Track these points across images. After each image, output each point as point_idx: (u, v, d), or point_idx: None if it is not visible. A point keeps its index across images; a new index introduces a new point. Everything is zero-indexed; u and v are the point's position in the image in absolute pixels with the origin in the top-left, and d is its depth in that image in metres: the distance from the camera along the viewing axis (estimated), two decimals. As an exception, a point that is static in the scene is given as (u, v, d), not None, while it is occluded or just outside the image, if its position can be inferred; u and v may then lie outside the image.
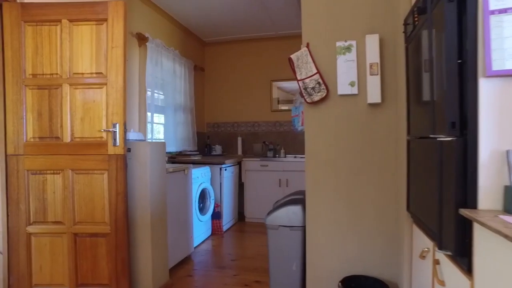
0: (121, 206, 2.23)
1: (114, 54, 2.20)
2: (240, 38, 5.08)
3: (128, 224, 2.27)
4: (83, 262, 2.26)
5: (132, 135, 2.52)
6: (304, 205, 2.25)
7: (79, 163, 2.25)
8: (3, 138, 2.29)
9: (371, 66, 1.95)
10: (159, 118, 4.00)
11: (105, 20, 2.20)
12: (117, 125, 2.21)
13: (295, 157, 4.68)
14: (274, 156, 4.71)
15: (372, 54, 1.94)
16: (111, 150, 2.23)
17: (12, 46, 2.26)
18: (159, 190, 2.51)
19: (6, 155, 2.29)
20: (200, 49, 5.22)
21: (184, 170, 3.03)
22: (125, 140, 2.24)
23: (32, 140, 2.28)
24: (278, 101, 5.06)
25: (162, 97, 4.03)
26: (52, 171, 2.26)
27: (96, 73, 2.22)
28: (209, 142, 5.15)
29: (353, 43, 2.01)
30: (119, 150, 2.22)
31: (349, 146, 2.06)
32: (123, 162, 2.22)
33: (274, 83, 5.06)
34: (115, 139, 2.21)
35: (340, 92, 2.04)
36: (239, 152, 5.07)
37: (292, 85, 4.96)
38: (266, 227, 2.33)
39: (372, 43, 1.94)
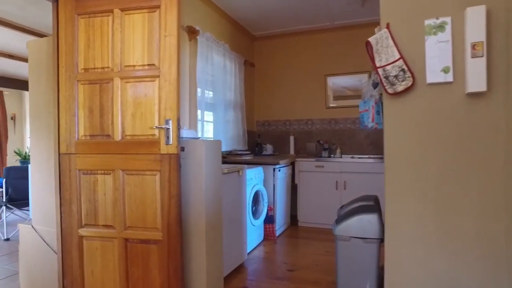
0: (174, 211, 2.03)
1: (167, 43, 2.01)
2: (292, 31, 4.78)
3: (181, 230, 2.07)
4: (134, 270, 2.10)
5: (185, 133, 2.32)
6: (381, 213, 1.92)
7: (130, 163, 2.10)
8: (56, 136, 2.22)
9: (473, 46, 1.57)
10: (208, 116, 3.83)
11: (158, 7, 2.03)
12: (170, 121, 2.02)
13: (352, 157, 4.31)
14: (329, 156, 4.36)
15: (476, 31, 1.56)
16: (163, 149, 2.05)
17: (66, 40, 2.18)
18: (215, 193, 2.30)
19: (59, 154, 2.21)
20: (249, 44, 5.00)
21: (238, 171, 2.80)
22: (178, 138, 2.04)
23: (83, 138, 2.17)
24: (333, 97, 4.70)
25: (211, 94, 3.85)
26: (102, 171, 2.13)
27: (148, 64, 2.05)
28: (260, 141, 4.91)
29: (447, 19, 1.64)
30: (173, 149, 2.03)
31: (440, 145, 1.69)
32: (176, 162, 2.03)
33: (329, 78, 4.70)
34: (168, 137, 2.03)
35: (429, 80, 1.68)
36: (291, 151, 4.77)
37: (347, 80, 4.57)
38: (335, 238, 2.02)
39: (476, 17, 1.56)
